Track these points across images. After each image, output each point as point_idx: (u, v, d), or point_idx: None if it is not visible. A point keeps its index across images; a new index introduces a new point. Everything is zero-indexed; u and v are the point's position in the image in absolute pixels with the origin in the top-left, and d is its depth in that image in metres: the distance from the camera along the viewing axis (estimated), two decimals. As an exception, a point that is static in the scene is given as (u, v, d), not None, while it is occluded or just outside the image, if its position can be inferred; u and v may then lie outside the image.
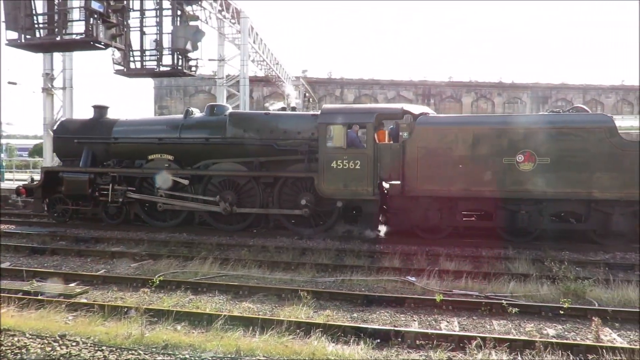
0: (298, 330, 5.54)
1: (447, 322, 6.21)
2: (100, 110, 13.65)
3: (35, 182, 13.39)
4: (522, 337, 5.48)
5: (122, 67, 13.51)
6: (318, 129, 11.22)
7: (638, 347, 5.17)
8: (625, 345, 5.34)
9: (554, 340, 5.42)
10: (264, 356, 4.91)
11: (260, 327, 5.63)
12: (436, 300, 6.65)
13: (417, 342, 5.41)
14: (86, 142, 12.96)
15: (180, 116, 13.17)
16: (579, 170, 10.11)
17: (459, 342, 5.32)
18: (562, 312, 6.36)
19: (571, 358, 4.95)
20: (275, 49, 26.08)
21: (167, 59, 13.62)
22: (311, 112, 12.79)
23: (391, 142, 11.65)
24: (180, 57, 13.58)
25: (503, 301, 6.59)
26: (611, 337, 5.72)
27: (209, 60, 23.33)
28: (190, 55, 13.88)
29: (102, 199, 12.54)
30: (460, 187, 10.59)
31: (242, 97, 22.02)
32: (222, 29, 22.00)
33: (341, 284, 7.95)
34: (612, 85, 35.64)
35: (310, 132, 11.68)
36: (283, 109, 13.66)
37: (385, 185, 11.49)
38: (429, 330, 5.67)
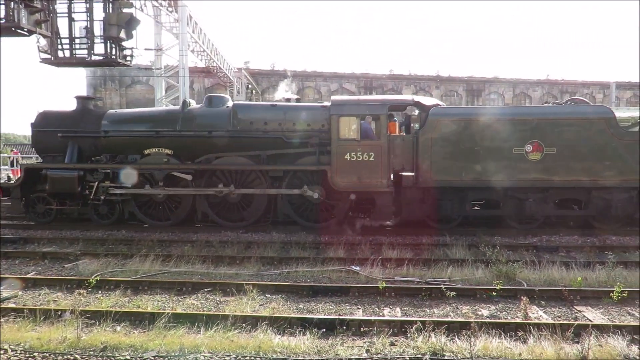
0: (244, 325, 5.51)
1: (390, 308, 6.42)
2: (85, 101, 12.63)
3: (11, 181, 12.22)
4: (459, 319, 5.78)
5: (49, 56, 12.63)
6: (330, 121, 10.98)
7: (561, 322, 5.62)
8: (550, 321, 5.77)
9: (488, 320, 5.76)
10: (209, 352, 4.85)
11: (204, 323, 5.54)
12: (379, 288, 6.85)
13: (362, 329, 5.56)
14: (72, 136, 11.90)
15: (177, 107, 12.46)
16: (582, 159, 10.63)
17: (401, 327, 5.52)
18: (494, 294, 6.77)
19: (502, 336, 5.28)
20: (215, 39, 25.48)
21: (99, 48, 12.90)
22: (321, 104, 12.30)
23: (402, 133, 11.70)
24: (113, 45, 12.91)
25: (442, 286, 6.89)
26: (538, 314, 6.16)
27: (146, 49, 22.38)
28: (124, 44, 13.22)
29: (92, 196, 11.63)
30: (472, 177, 10.81)
31: (181, 88, 21.33)
32: (159, 17, 21.15)
33: (287, 276, 7.98)
34: (538, 79, 38.00)
35: (320, 124, 11.43)
36: (288, 100, 12.88)
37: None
38: (372, 317, 5.83)
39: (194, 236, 10.87)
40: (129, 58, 13.66)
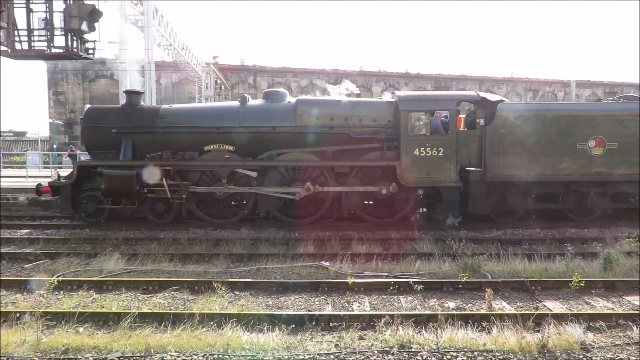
0: (212, 322, 5.45)
1: (359, 302, 6.47)
2: (134, 96, 12.04)
3: (62, 179, 11.57)
4: (426, 312, 5.89)
5: (5, 48, 12.08)
6: (400, 117, 10.90)
7: (523, 312, 5.81)
8: (513, 311, 5.96)
9: (454, 312, 5.90)
10: (176, 351, 4.77)
11: (171, 322, 5.45)
12: (348, 283, 6.90)
13: (331, 324, 5.59)
14: (126, 132, 11.36)
15: (235, 103, 12.02)
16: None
17: (370, 321, 5.58)
18: (460, 286, 6.93)
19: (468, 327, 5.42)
20: (183, 33, 24.98)
21: (59, 40, 12.43)
22: (386, 100, 12.12)
23: (465, 129, 11.68)
24: (74, 38, 12.45)
25: (410, 280, 7.01)
26: (502, 305, 6.35)
27: (109, 42, 21.70)
28: (86, 36, 12.78)
29: (150, 195, 11.18)
30: (537, 171, 11.05)
31: (147, 83, 20.80)
32: (124, 9, 20.54)
33: (256, 272, 7.94)
34: (503, 77, 39.02)
35: (386, 120, 11.39)
36: (348, 95, 12.60)
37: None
38: (341, 312, 5.87)
39: (161, 234, 10.67)
40: (91, 51, 13.21)
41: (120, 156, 11.30)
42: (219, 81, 30.81)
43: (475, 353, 4.80)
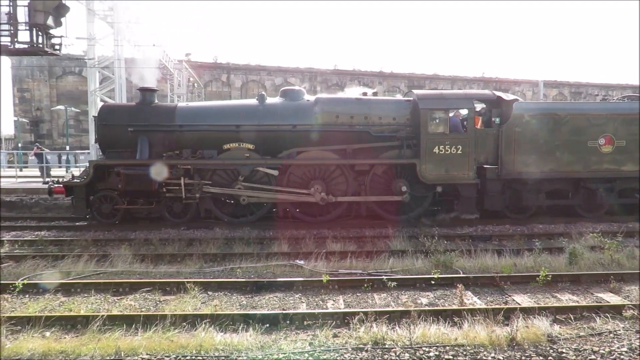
0: (184, 324, 5.37)
1: (334, 300, 6.50)
2: (149, 93, 11.72)
3: (76, 179, 11.12)
4: (399, 308, 5.95)
5: (-34, 43, 11.62)
6: (420, 115, 11.02)
7: (494, 307, 5.94)
8: (483, 306, 6.09)
9: (427, 308, 5.99)
10: (147, 354, 4.69)
11: (142, 324, 5.35)
12: (323, 281, 6.91)
13: (305, 322, 5.59)
14: (143, 131, 11.04)
15: (252, 101, 11.84)
16: None
17: (344, 319, 5.61)
18: (433, 282, 7.04)
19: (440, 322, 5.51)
20: (155, 30, 24.48)
21: (24, 36, 12.02)
22: (404, 98, 12.22)
23: (482, 127, 11.79)
24: (40, 33, 12.06)
25: (383, 277, 7.08)
26: (472, 300, 6.48)
27: (77, 38, 21.10)
28: (53, 32, 12.39)
29: (169, 195, 10.91)
30: (550, 168, 11.41)
31: (117, 80, 20.33)
32: (92, 4, 19.99)
33: (230, 272, 7.87)
34: (474, 77, 39.80)
35: (405, 118, 11.52)
36: (364, 94, 12.47)
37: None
38: (316, 311, 5.88)
39: (132, 234, 10.45)
40: (57, 47, 12.82)
41: (136, 155, 11.01)
42: (191, 79, 30.35)
43: (447, 348, 4.89)
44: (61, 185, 11.00)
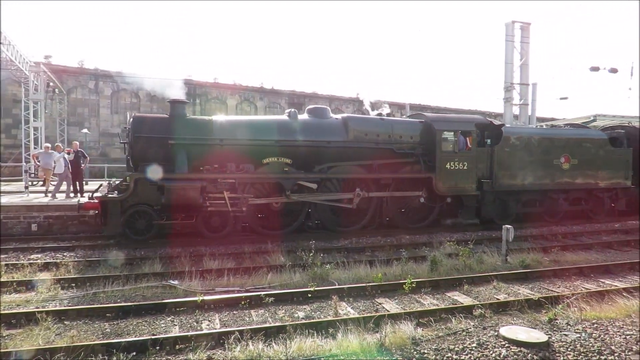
0: (33, 360, 4.70)
1: (209, 321, 6.24)
2: (179, 105, 11.54)
3: (110, 194, 10.68)
4: (276, 324, 5.93)
5: None
6: (436, 135, 12.76)
7: (365, 315, 6.24)
8: (356, 315, 6.36)
9: (303, 321, 6.06)
10: (-19, 401, 3.99)
11: (-23, 366, 4.56)
12: (198, 301, 6.62)
13: (177, 346, 5.27)
14: (182, 144, 10.81)
15: (284, 117, 12.31)
16: (592, 168, 14.86)
17: (219, 339, 5.41)
18: (310, 295, 7.17)
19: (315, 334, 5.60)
20: (5, 26, 21.56)
21: None
22: (417, 120, 13.79)
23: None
24: None
25: (261, 293, 7.02)
26: (347, 310, 6.73)
27: None
28: None
29: (211, 209, 10.80)
30: (529, 181, 14.04)
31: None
32: None
33: (93, 297, 7.13)
34: (350, 97, 42.15)
35: (419, 137, 13.09)
36: (379, 114, 14.04)
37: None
38: (189, 333, 5.57)
39: (-31, 260, 8.94)
40: None
41: (177, 168, 10.77)
42: (51, 84, 27.27)
43: (322, 359, 4.98)
44: (95, 201, 10.46)
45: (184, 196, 10.47)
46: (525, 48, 27.20)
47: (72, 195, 14.57)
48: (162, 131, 10.97)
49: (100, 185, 12.60)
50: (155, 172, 10.49)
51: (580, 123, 22.22)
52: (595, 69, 22.55)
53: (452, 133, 13.05)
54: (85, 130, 28.06)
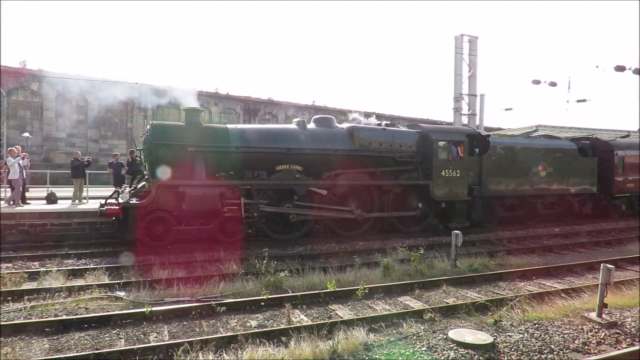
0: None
1: (157, 332, 6.03)
2: (195, 112, 11.70)
3: (131, 200, 10.70)
4: (227, 334, 5.80)
5: None
6: (433, 145, 13.62)
7: (319, 322, 6.23)
8: (309, 322, 6.34)
9: (255, 330, 5.97)
10: None
11: None
12: (145, 313, 6.38)
13: (122, 361, 5.05)
14: (201, 151, 11.08)
15: (293, 126, 12.79)
16: (564, 175, 16.26)
17: (167, 351, 5.23)
18: (263, 304, 7.08)
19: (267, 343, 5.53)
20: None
21: None
22: (414, 130, 14.44)
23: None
24: None
25: (212, 302, 6.86)
26: (300, 318, 6.69)
27: None
28: None
29: (228, 214, 11.07)
30: (511, 187, 15.22)
31: None
32: None
33: (30, 311, 6.71)
34: (306, 104, 42.32)
35: (416, 146, 13.86)
36: (379, 124, 14.61)
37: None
38: (135, 346, 5.35)
39: None
40: None
41: (196, 175, 10.99)
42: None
43: (274, 368, 4.92)
44: (117, 207, 10.33)
45: (203, 202, 10.83)
46: (474, 60, 28.42)
47: (12, 203, 13.75)
48: (180, 139, 11.14)
49: (115, 191, 12.41)
50: (175, 178, 10.79)
51: (524, 133, 23.74)
52: (536, 82, 23.85)
53: (447, 143, 13.93)
54: (26, 134, 26.57)
